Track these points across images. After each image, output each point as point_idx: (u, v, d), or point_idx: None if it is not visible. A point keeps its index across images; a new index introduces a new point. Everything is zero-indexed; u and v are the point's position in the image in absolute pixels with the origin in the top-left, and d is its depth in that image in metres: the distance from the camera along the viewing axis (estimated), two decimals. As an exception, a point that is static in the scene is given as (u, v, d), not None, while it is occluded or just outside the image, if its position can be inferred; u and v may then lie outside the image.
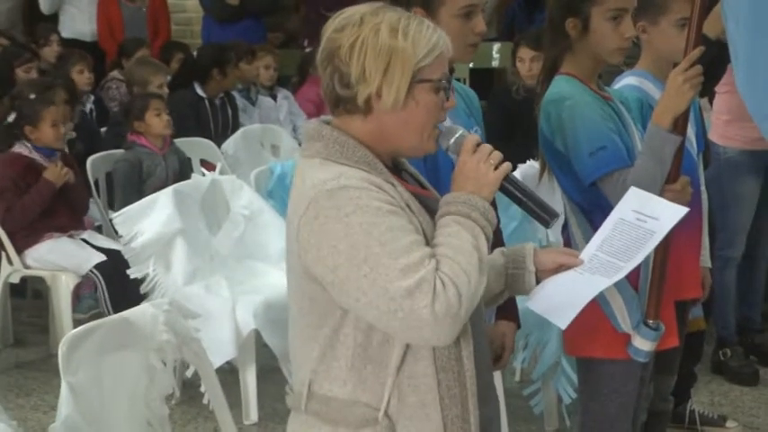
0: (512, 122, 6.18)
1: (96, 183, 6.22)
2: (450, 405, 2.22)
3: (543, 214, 2.34)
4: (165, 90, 7.03)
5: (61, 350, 2.75)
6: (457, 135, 2.30)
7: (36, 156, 5.60)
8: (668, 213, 2.41)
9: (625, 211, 2.44)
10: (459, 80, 3.36)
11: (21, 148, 5.60)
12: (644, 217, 2.41)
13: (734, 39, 2.80)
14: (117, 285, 5.39)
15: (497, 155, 2.26)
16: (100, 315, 4.89)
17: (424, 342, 2.15)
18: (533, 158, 4.72)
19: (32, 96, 5.75)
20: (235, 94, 7.67)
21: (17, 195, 5.51)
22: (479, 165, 2.24)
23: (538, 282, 2.44)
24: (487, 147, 2.27)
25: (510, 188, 2.30)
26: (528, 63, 6.36)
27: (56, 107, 5.66)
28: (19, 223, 5.53)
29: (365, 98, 2.20)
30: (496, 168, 2.24)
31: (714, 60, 3.05)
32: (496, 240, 3.12)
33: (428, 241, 2.18)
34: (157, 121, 6.11)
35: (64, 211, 5.65)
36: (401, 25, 2.20)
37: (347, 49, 2.19)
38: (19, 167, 5.54)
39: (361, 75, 2.19)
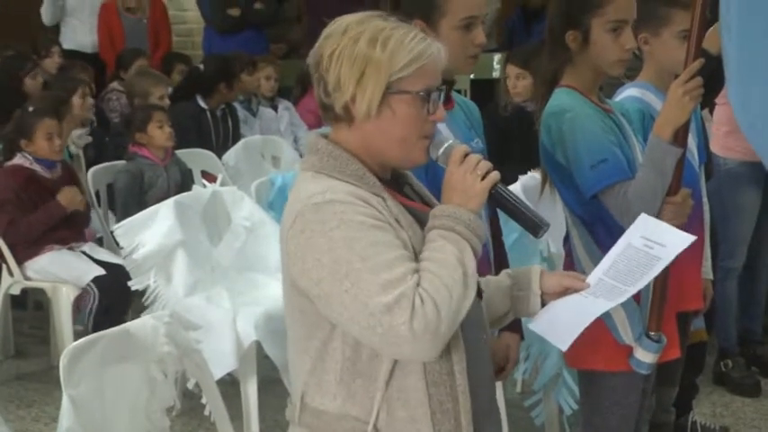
0: (503, 139, 6.15)
1: (97, 194, 6.23)
2: (443, 420, 2.21)
3: (533, 224, 2.32)
4: (167, 101, 7.04)
5: (62, 362, 2.75)
6: (446, 145, 2.28)
7: (37, 167, 5.60)
8: (675, 240, 2.41)
9: (634, 237, 2.44)
10: (459, 92, 3.36)
11: (21, 160, 5.61)
12: (651, 243, 2.41)
13: (727, 50, 2.80)
14: (115, 300, 5.41)
15: (485, 164, 2.23)
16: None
17: (406, 358, 2.15)
18: (532, 170, 4.72)
19: (30, 109, 5.75)
20: (236, 105, 7.67)
21: (19, 207, 5.51)
22: (466, 175, 2.22)
23: (543, 305, 2.44)
24: (475, 157, 2.24)
25: (498, 198, 2.28)
26: (513, 80, 6.34)
27: (50, 119, 5.64)
28: (22, 238, 5.53)
29: (342, 106, 2.21)
30: (484, 178, 2.23)
31: (714, 74, 3.05)
32: (499, 252, 3.14)
33: (417, 256, 2.17)
34: (160, 133, 6.12)
35: (65, 224, 5.64)
36: (382, 35, 2.19)
37: (327, 58, 2.21)
38: (20, 179, 5.55)
39: (337, 83, 2.19)
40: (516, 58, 6.38)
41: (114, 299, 5.41)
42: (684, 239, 2.41)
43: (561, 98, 3.09)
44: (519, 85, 6.23)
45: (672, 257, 2.39)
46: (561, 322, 2.42)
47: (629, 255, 2.42)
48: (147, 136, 6.10)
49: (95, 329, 5.15)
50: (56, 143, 5.61)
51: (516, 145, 5.91)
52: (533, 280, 2.45)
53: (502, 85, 6.64)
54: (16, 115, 5.77)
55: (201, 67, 7.80)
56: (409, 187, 2.40)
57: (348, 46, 2.19)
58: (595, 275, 2.42)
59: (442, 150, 2.28)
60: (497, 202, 2.29)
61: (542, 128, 3.10)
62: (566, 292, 2.43)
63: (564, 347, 2.44)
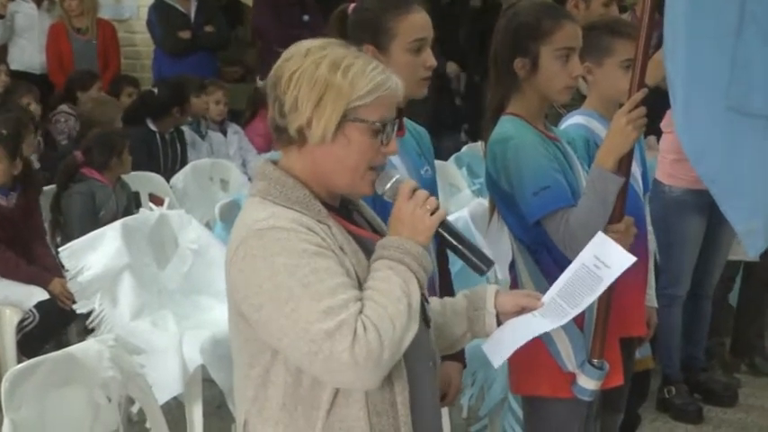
0: None
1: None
2: None
3: (478, 262, 2.32)
4: (119, 125, 7.00)
5: (4, 385, 2.73)
6: (393, 180, 2.29)
7: None
8: (617, 261, 2.43)
9: (588, 255, 2.46)
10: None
11: None
12: (599, 263, 2.43)
13: (673, 80, 2.84)
14: (54, 325, 5.37)
15: (433, 201, 2.25)
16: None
17: (347, 386, 2.15)
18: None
19: None
20: (184, 128, 7.62)
21: None
22: (415, 210, 2.23)
23: (500, 324, 2.44)
24: (424, 193, 2.26)
25: (445, 235, 2.30)
26: None
27: None
28: None
29: (296, 128, 2.21)
30: (432, 214, 2.24)
31: (649, 106, 3.08)
32: (445, 280, 3.14)
33: (361, 284, 2.18)
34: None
35: (18, 250, 5.56)
36: (344, 62, 2.20)
37: (287, 79, 2.21)
38: None
39: (294, 104, 2.20)
40: None
41: (54, 324, 5.36)
42: (626, 259, 2.43)
43: (506, 126, 3.11)
44: None
45: (612, 279, 2.42)
46: (503, 341, 2.43)
47: (580, 274, 2.44)
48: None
49: (21, 351, 5.14)
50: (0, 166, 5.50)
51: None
52: (488, 299, 2.46)
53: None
54: None
55: (155, 90, 7.76)
56: (359, 214, 2.40)
57: (309, 68, 2.19)
58: (549, 294, 2.45)
59: (389, 185, 2.29)
60: (444, 238, 2.30)
61: (488, 155, 3.12)
62: (522, 311, 2.44)
63: (496, 365, 2.46)
